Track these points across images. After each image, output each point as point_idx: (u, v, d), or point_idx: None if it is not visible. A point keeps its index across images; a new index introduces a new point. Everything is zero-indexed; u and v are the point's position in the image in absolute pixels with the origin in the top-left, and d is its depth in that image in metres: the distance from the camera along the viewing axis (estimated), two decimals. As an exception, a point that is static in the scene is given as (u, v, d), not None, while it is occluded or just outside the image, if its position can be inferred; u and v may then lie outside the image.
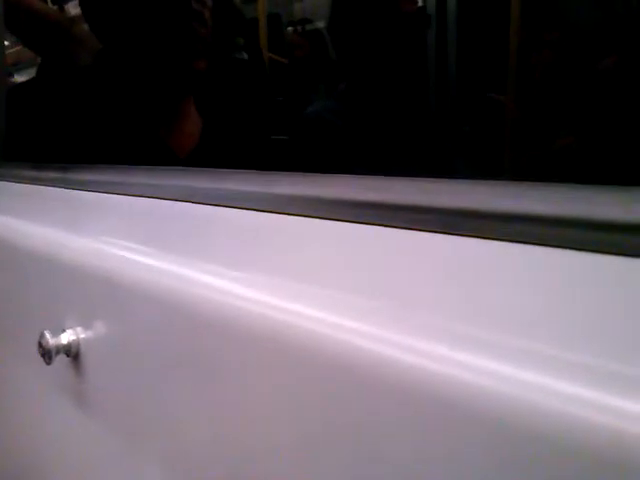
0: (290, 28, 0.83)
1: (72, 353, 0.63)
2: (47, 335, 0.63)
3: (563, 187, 0.32)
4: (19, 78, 1.22)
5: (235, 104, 0.85)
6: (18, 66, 1.22)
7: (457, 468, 0.29)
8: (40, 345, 0.64)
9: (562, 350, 0.27)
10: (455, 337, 0.31)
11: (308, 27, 0.82)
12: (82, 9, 0.92)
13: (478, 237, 0.35)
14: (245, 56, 0.88)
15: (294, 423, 0.40)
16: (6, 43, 1.14)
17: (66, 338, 0.63)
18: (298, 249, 0.46)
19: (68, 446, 0.70)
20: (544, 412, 0.25)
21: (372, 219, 0.41)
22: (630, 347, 0.26)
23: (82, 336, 0.63)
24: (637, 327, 0.26)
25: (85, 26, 0.97)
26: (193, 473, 0.50)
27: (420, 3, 0.68)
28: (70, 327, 0.64)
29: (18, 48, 1.19)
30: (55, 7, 1.05)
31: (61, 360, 0.64)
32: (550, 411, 0.25)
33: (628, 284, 0.28)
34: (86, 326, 0.63)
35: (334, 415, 0.36)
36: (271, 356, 0.41)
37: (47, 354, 0.63)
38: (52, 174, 0.84)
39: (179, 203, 0.60)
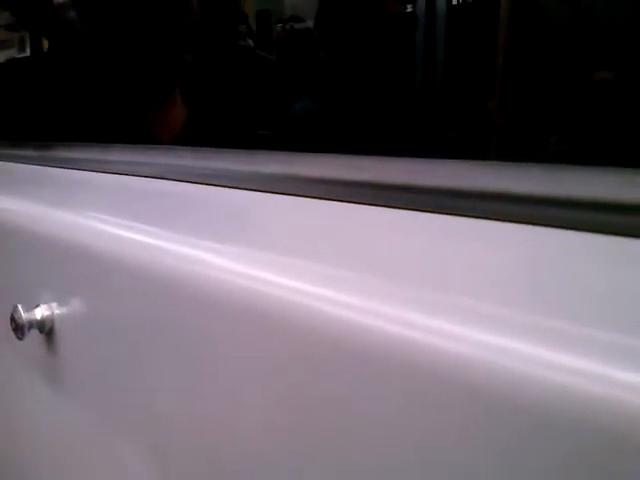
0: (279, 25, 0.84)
1: (45, 329, 0.62)
2: (20, 309, 0.62)
3: (551, 167, 0.34)
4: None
5: (221, 91, 0.85)
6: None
7: (459, 445, 0.30)
8: (12, 319, 0.62)
9: (563, 324, 0.28)
10: (455, 312, 0.31)
11: (297, 25, 0.83)
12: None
13: (467, 216, 0.36)
14: (250, 43, 0.87)
15: (277, 397, 0.40)
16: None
17: (40, 313, 0.62)
18: (280, 225, 0.47)
19: (40, 425, 0.69)
20: (544, 385, 0.26)
21: (356, 197, 0.43)
22: (632, 321, 0.27)
23: (57, 312, 0.62)
24: (634, 302, 0.27)
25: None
26: (173, 451, 0.49)
27: (409, 7, 0.70)
28: (44, 302, 0.63)
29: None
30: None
31: (34, 336, 0.62)
32: (551, 384, 0.26)
33: (619, 261, 0.29)
34: (61, 302, 0.62)
35: (314, 386, 0.37)
36: (254, 329, 0.41)
37: (19, 329, 0.62)
38: (28, 152, 0.83)
39: (159, 180, 0.60)
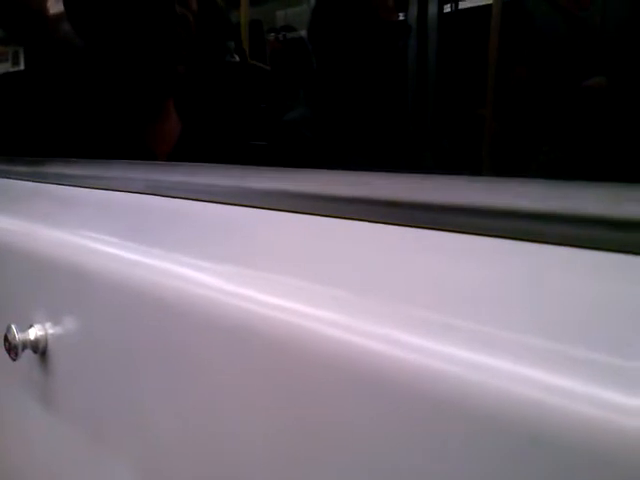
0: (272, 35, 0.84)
1: (39, 349, 0.62)
2: (14, 329, 0.61)
3: (551, 183, 0.33)
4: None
5: (215, 102, 0.85)
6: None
7: (449, 465, 0.29)
8: (6, 340, 0.62)
9: (556, 344, 0.28)
10: (445, 332, 0.31)
11: (290, 35, 0.83)
12: (65, 7, 0.91)
13: (462, 232, 0.35)
14: (237, 59, 0.88)
15: (272, 418, 0.39)
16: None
17: (34, 333, 0.62)
18: (271, 242, 0.47)
19: (34, 446, 0.68)
20: (540, 407, 0.26)
21: (347, 213, 0.42)
22: (625, 341, 0.26)
23: (50, 332, 0.61)
24: (629, 321, 0.27)
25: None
26: (166, 470, 0.49)
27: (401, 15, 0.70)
28: (38, 322, 0.62)
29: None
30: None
31: (28, 356, 0.62)
32: (547, 406, 0.26)
33: (614, 278, 0.29)
34: (55, 321, 0.61)
35: (313, 409, 0.36)
36: (247, 349, 0.41)
37: (13, 349, 0.61)
38: (22, 168, 0.82)
39: (152, 197, 0.60)
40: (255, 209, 0.49)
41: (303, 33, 0.81)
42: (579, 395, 0.25)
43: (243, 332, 0.40)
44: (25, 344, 0.61)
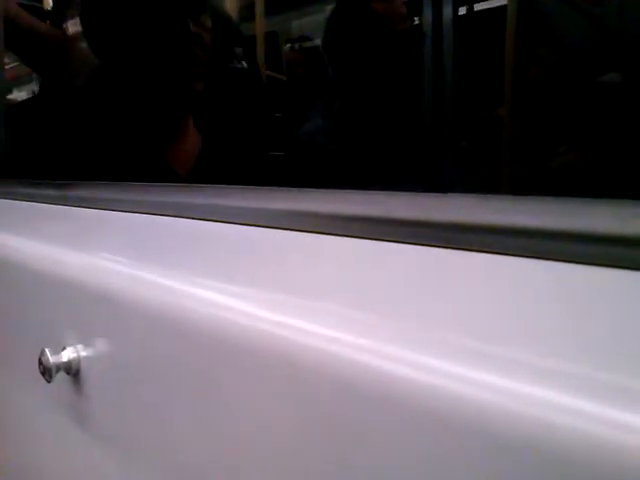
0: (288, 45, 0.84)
1: (72, 371, 0.63)
2: (47, 353, 0.63)
3: (560, 201, 0.33)
4: (18, 94, 1.24)
5: (233, 116, 0.85)
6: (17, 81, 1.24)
7: None
8: (40, 363, 0.63)
9: (562, 363, 0.28)
10: (456, 351, 0.31)
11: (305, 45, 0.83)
12: (83, 28, 0.93)
13: (474, 251, 0.35)
14: (244, 65, 0.88)
15: (296, 441, 0.40)
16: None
17: (66, 356, 0.63)
18: (294, 264, 0.47)
19: (68, 465, 0.70)
20: (546, 426, 0.26)
21: (368, 233, 0.42)
22: (631, 359, 0.26)
23: (83, 354, 0.63)
24: (637, 339, 0.26)
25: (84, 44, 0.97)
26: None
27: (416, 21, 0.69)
28: (70, 345, 0.64)
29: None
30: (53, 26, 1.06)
31: (62, 378, 0.63)
32: (552, 425, 0.25)
33: (626, 297, 0.28)
34: (86, 343, 0.63)
35: (335, 431, 0.36)
36: (272, 372, 0.41)
37: (47, 372, 0.63)
38: (50, 191, 0.84)
39: (177, 219, 0.61)
40: (279, 230, 0.49)
41: (318, 43, 0.81)
42: (585, 413, 0.25)
43: (275, 359, 0.40)
44: (59, 366, 0.63)
